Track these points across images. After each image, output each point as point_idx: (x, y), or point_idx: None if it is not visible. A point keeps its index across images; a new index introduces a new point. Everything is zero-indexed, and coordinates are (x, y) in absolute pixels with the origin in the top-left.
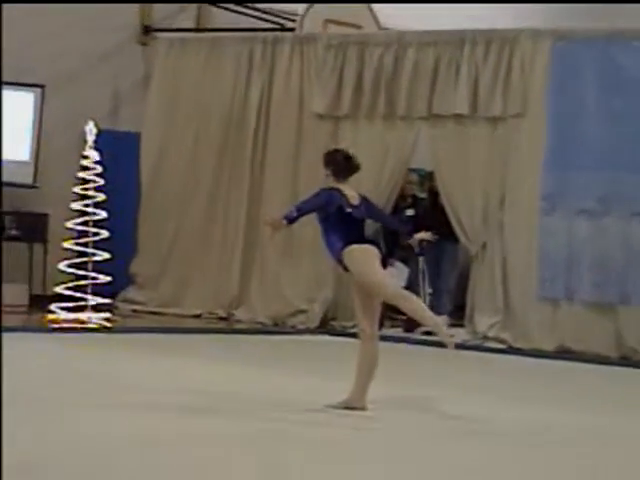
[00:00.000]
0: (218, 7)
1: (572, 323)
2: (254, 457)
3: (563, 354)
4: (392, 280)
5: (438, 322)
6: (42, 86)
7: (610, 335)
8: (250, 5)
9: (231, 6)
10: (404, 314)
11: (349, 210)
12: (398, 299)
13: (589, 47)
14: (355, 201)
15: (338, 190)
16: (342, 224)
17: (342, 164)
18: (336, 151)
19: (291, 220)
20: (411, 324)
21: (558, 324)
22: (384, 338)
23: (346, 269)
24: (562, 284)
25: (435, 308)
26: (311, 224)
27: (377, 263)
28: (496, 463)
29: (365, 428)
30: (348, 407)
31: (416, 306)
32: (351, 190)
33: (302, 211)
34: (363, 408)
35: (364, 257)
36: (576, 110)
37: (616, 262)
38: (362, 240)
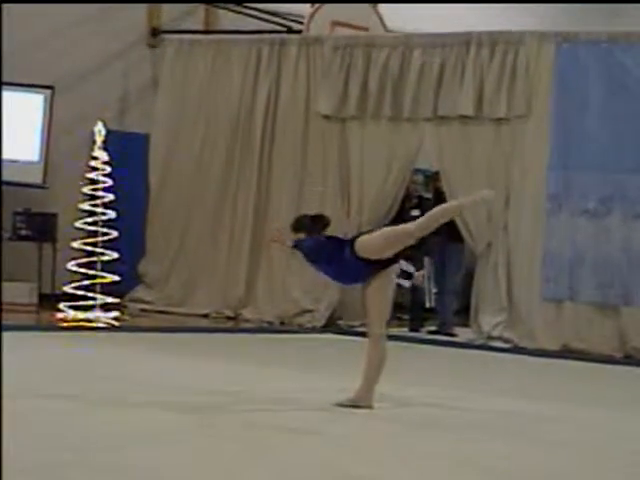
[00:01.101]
0: (225, 9)
1: (576, 323)
2: (262, 454)
3: (567, 353)
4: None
5: (471, 199)
6: (52, 87)
7: (613, 335)
8: (257, 7)
9: (238, 8)
10: (409, 314)
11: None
12: (430, 223)
13: (593, 49)
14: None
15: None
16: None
17: (311, 226)
18: (302, 217)
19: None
20: (416, 324)
21: (562, 324)
22: (389, 337)
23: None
24: (566, 284)
25: (440, 308)
26: None
27: (386, 230)
28: (502, 460)
29: (372, 426)
30: (355, 405)
31: (448, 210)
32: None
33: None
34: (370, 407)
35: (373, 235)
36: (580, 111)
37: (619, 263)
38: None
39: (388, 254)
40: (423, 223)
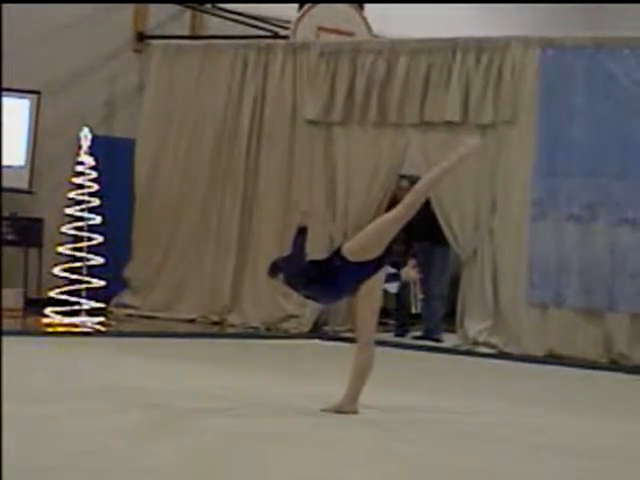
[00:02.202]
0: (211, 14)
1: (561, 328)
2: (246, 459)
3: (552, 359)
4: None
5: (459, 153)
6: (38, 92)
7: (599, 340)
8: (244, 13)
9: (225, 14)
10: (395, 318)
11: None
12: (419, 195)
13: (578, 55)
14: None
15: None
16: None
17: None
18: (275, 262)
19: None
20: (402, 329)
21: (547, 329)
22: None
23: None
24: (551, 290)
25: (427, 314)
26: None
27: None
28: (489, 464)
29: (356, 432)
30: (340, 411)
31: (436, 175)
32: None
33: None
34: (354, 412)
35: (360, 234)
36: (565, 117)
37: (604, 268)
38: None
39: (380, 249)
40: (410, 200)
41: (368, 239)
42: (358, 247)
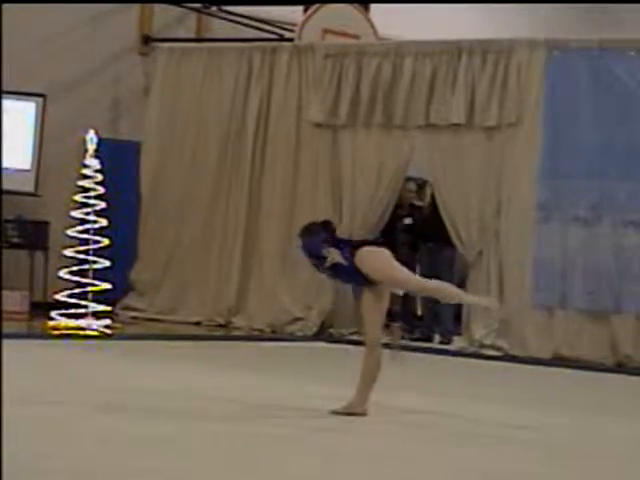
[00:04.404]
0: (217, 17)
1: (567, 330)
2: (254, 462)
3: (559, 361)
4: (411, 275)
5: (474, 299)
6: (43, 95)
7: (605, 342)
8: (249, 15)
9: (230, 16)
10: (400, 322)
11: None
12: (427, 291)
13: (584, 57)
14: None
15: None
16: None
17: (321, 231)
18: (312, 224)
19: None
20: (407, 331)
21: (553, 331)
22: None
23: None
24: (557, 292)
25: (439, 317)
26: None
27: (393, 261)
28: (492, 466)
29: (365, 434)
30: (350, 413)
31: (447, 292)
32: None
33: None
34: (364, 413)
35: (379, 257)
36: (571, 119)
37: (609, 270)
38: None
39: (379, 281)
40: (425, 287)
41: (381, 273)
42: (369, 267)
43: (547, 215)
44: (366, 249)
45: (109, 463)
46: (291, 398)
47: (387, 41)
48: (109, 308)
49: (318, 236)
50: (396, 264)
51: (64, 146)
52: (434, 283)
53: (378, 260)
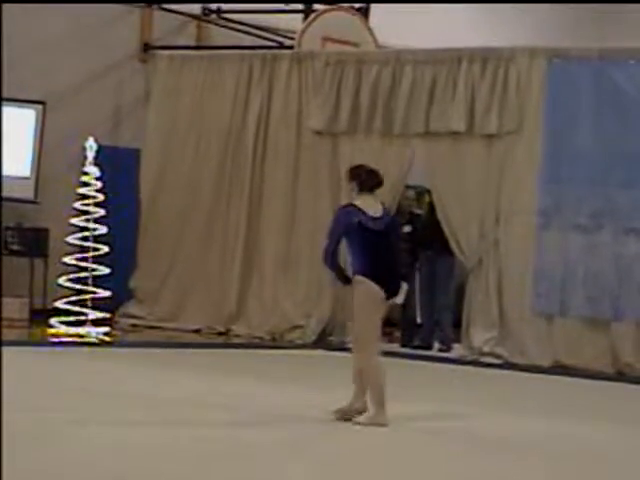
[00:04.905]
0: (217, 25)
1: (567, 338)
2: (254, 469)
3: (559, 369)
4: (377, 346)
5: (378, 419)
6: (43, 103)
7: (605, 350)
8: (249, 23)
9: (230, 24)
10: (400, 329)
11: (369, 224)
12: (370, 369)
13: (584, 65)
14: (377, 213)
15: (354, 206)
16: (363, 239)
17: (365, 178)
18: (359, 166)
19: (332, 267)
20: (407, 339)
21: (553, 339)
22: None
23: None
24: (557, 299)
25: (439, 325)
26: (307, 242)
27: (377, 314)
28: (490, 472)
29: (362, 441)
30: (373, 423)
31: (378, 389)
32: (376, 202)
33: (332, 250)
34: (384, 424)
35: (367, 301)
36: (571, 127)
37: (609, 277)
38: (378, 270)
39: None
40: (370, 362)
41: (356, 308)
42: (355, 294)
43: (547, 223)
44: (365, 285)
45: (109, 471)
46: (290, 406)
47: (387, 49)
48: (109, 315)
49: None
50: (374, 319)
51: (64, 153)
52: (378, 374)
53: (363, 306)
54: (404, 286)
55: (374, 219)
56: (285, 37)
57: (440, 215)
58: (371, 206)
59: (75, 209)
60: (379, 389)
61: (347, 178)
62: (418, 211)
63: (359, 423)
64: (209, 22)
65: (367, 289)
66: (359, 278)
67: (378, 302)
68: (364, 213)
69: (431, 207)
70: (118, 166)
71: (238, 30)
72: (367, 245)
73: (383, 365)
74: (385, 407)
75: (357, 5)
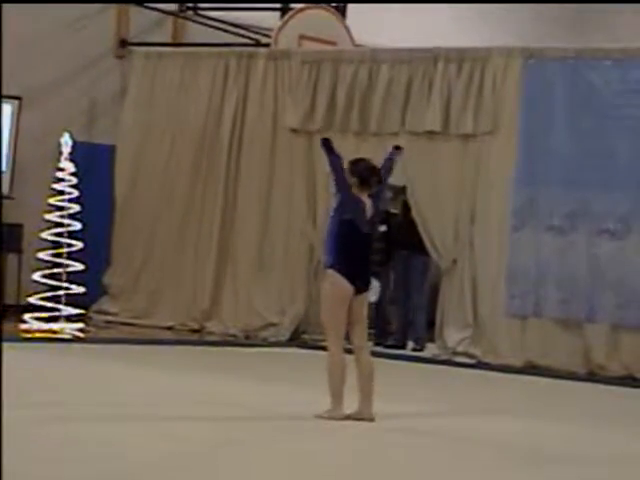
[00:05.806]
0: (194, 22)
1: (540, 339)
2: (226, 467)
3: (531, 369)
4: (341, 340)
5: (333, 414)
6: (19, 98)
7: (577, 351)
8: (226, 20)
9: (207, 21)
10: (374, 328)
11: (362, 228)
12: (332, 364)
13: (560, 65)
14: (369, 213)
15: (362, 202)
16: (347, 236)
17: (367, 176)
18: (360, 161)
19: (326, 147)
20: (381, 338)
21: (526, 340)
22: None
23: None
24: (531, 300)
25: (413, 324)
26: (282, 239)
27: (343, 308)
28: (462, 472)
29: (336, 440)
30: (360, 418)
31: (337, 378)
32: (369, 200)
33: (335, 161)
34: (371, 419)
35: (335, 295)
36: (546, 127)
37: (583, 279)
38: (350, 267)
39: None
40: (334, 358)
41: (322, 300)
42: (324, 286)
43: (522, 223)
44: (335, 278)
45: (79, 467)
46: (263, 403)
47: (363, 48)
48: (82, 312)
49: None
50: (339, 313)
51: (39, 149)
52: (338, 362)
53: (331, 299)
54: (375, 283)
55: (366, 222)
56: (262, 35)
57: (415, 215)
58: (368, 206)
59: (50, 205)
60: (336, 384)
61: (348, 172)
62: (394, 210)
63: (319, 416)
64: (186, 19)
65: (335, 284)
66: (330, 272)
67: (345, 298)
68: (363, 213)
69: (406, 206)
70: (93, 162)
71: (215, 27)
72: (349, 243)
73: (345, 361)
74: (342, 402)
75: (334, 4)
